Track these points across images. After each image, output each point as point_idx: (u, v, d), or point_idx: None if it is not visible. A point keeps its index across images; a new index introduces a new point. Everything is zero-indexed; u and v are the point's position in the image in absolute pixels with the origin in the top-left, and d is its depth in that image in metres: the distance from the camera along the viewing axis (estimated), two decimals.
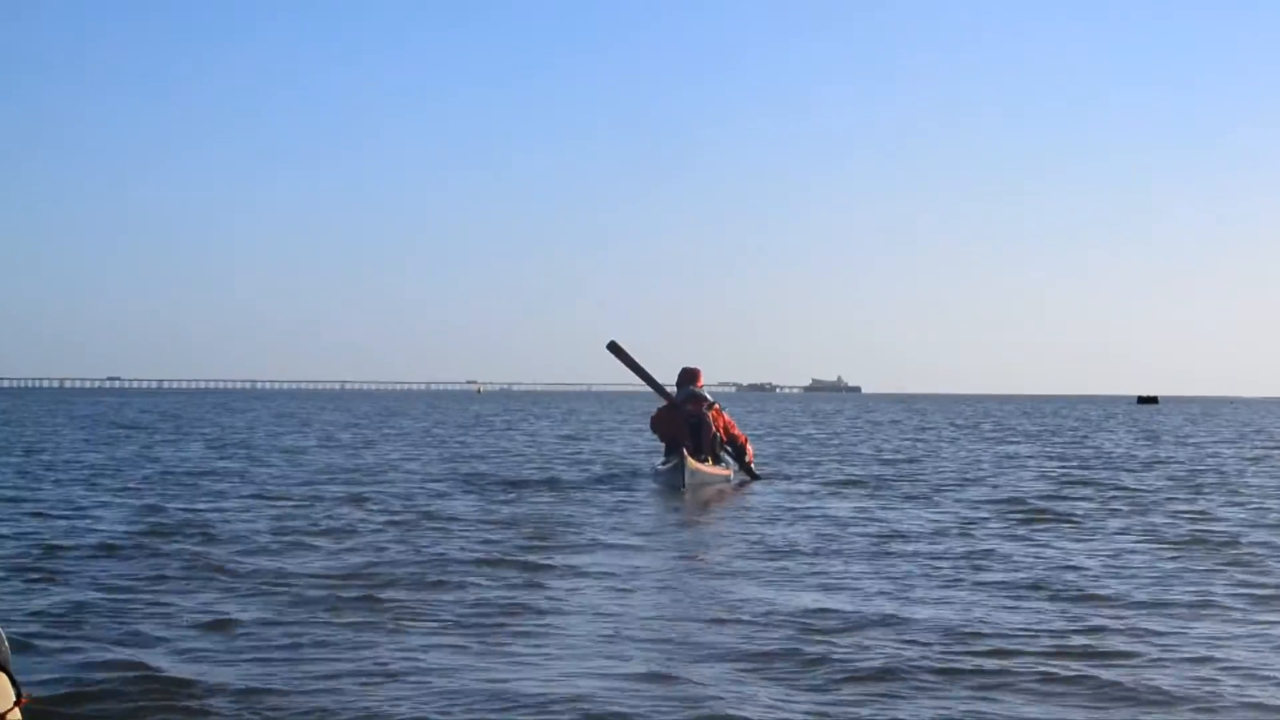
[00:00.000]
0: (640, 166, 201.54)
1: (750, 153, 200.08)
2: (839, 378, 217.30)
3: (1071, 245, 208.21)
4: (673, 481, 13.23)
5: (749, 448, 14.80)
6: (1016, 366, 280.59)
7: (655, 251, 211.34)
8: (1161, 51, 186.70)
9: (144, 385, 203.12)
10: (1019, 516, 10.59)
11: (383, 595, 6.50)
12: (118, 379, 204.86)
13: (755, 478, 14.52)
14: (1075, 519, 10.40)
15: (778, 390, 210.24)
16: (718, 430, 14.35)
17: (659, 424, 14.48)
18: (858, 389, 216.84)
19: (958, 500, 12.18)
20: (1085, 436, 28.38)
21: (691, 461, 13.28)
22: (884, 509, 11.27)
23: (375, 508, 10.78)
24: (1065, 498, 12.48)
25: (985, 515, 10.73)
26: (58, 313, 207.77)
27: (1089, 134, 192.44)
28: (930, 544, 8.75)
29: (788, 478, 15.09)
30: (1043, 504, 11.68)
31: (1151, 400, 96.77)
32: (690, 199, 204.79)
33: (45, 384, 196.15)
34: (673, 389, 14.62)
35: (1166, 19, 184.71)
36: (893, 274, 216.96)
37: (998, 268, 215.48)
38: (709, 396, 14.47)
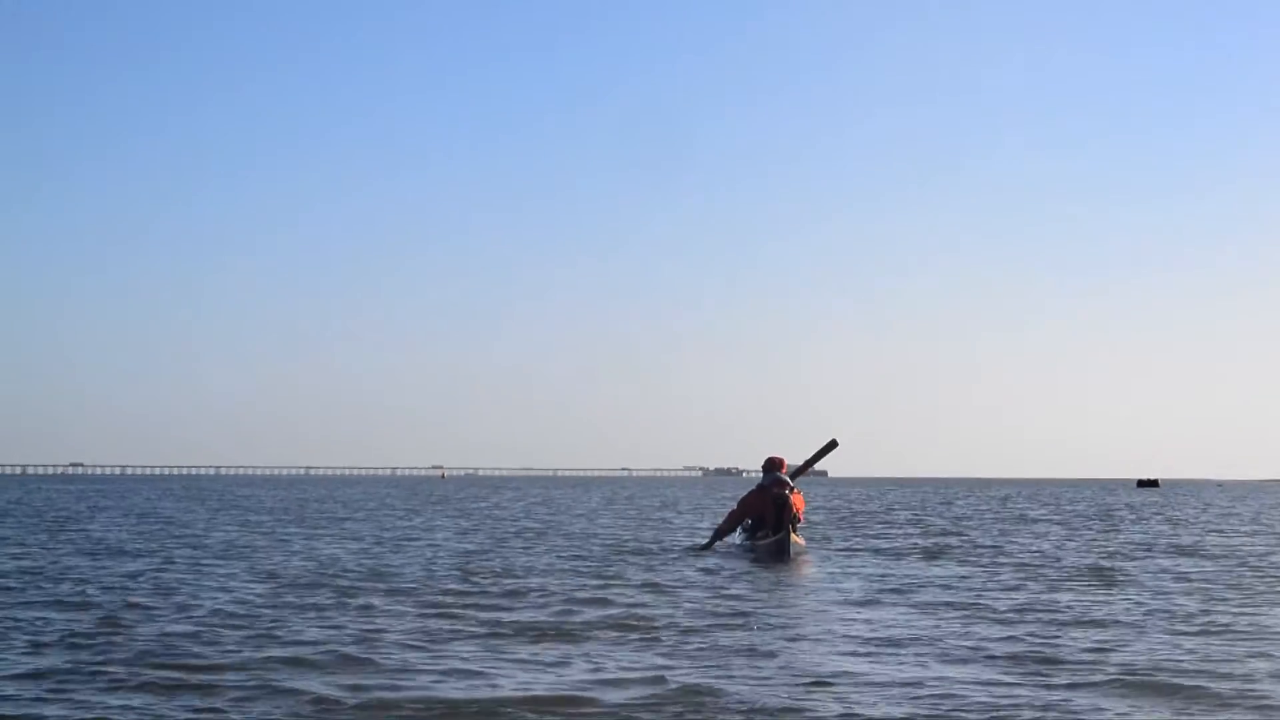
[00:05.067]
0: (598, 251, 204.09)
1: (708, 236, 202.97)
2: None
3: (1072, 322, 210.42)
4: (778, 552, 15.29)
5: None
6: (1002, 449, 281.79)
7: (616, 337, 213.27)
8: (1158, 119, 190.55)
9: (107, 472, 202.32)
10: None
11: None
12: (80, 465, 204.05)
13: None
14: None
15: (744, 474, 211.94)
16: (796, 511, 16.26)
17: (750, 504, 16.48)
18: (824, 473, 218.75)
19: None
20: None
21: (794, 537, 15.60)
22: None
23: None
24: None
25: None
26: (18, 399, 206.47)
27: (1073, 207, 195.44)
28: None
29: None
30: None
31: (1152, 484, 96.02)
32: (646, 281, 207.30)
33: (7, 470, 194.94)
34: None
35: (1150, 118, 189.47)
36: (862, 353, 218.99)
37: (989, 344, 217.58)
38: (789, 480, 16.37)
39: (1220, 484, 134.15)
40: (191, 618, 8.70)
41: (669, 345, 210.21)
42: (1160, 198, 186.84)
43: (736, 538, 16.96)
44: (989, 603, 10.09)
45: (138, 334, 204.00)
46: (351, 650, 7.24)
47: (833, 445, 17.49)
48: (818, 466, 16.91)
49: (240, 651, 7.23)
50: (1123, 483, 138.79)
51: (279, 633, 7.96)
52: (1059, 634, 8.19)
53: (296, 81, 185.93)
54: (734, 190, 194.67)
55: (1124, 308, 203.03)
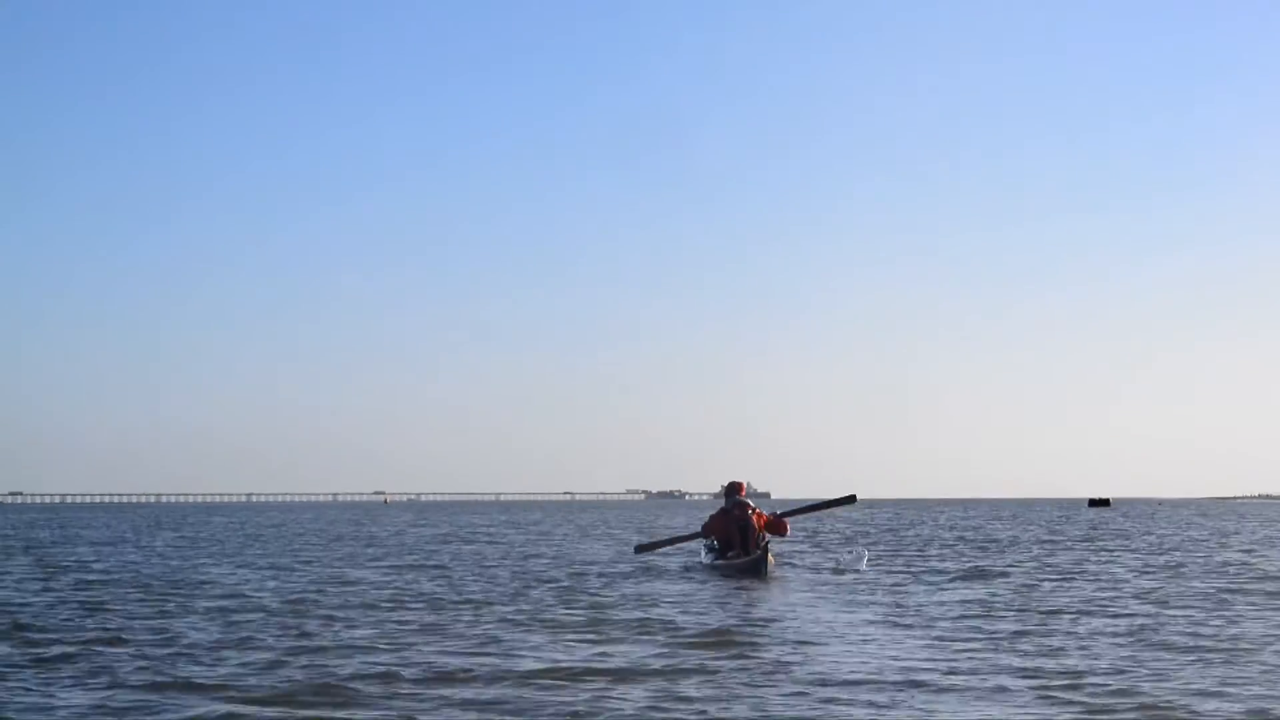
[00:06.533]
0: (540, 278, 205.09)
1: (648, 262, 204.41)
2: (748, 484, 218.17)
3: (1023, 343, 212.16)
4: (755, 571, 16.33)
5: (787, 524, 18.33)
6: (948, 471, 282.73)
7: (559, 362, 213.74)
8: (1090, 126, 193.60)
9: (47, 500, 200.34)
10: None
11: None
12: (20, 494, 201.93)
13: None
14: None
15: (687, 497, 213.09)
16: (760, 530, 17.64)
17: (714, 528, 17.95)
18: (767, 495, 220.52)
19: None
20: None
21: (771, 557, 16.66)
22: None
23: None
24: None
25: None
26: None
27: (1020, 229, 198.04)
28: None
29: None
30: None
31: (1104, 503, 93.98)
32: (589, 308, 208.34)
33: None
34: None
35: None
36: (804, 376, 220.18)
37: (928, 366, 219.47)
38: (750, 502, 18.00)
39: (1160, 502, 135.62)
40: None
41: (611, 370, 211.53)
42: (1105, 214, 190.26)
43: (705, 558, 18.25)
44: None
45: (79, 362, 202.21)
46: None
47: (850, 499, 19.41)
48: (759, 490, 18.29)
49: None
50: (1072, 502, 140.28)
51: None
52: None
53: (255, 104, 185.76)
54: (673, 217, 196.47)
55: (1068, 329, 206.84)
